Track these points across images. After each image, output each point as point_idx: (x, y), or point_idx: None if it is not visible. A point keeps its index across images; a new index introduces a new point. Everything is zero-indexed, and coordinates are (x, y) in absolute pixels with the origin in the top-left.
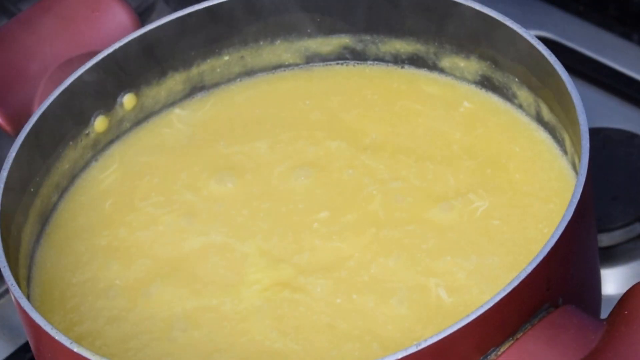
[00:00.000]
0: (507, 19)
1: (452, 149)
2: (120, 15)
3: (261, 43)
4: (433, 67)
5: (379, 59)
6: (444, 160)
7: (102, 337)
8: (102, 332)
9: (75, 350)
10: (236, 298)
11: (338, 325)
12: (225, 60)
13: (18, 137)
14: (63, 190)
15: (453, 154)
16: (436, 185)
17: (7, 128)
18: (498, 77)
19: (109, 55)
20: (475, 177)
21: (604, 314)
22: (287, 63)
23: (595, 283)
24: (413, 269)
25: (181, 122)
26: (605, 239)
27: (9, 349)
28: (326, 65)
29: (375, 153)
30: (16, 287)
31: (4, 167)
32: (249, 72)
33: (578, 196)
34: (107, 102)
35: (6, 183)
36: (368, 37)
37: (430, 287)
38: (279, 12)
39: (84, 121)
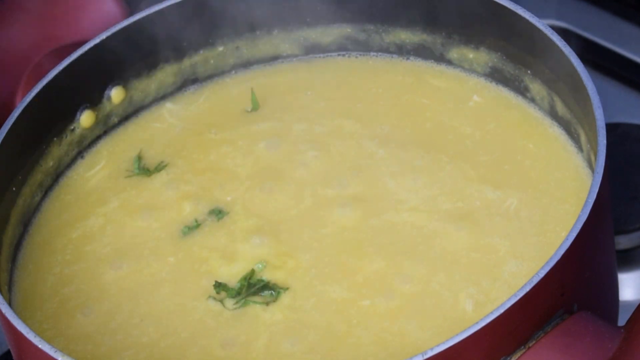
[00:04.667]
0: (519, 7)
1: (465, 144)
2: (108, 4)
3: (257, 33)
4: (440, 58)
5: (383, 49)
6: (458, 155)
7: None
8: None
9: (60, 359)
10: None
11: (347, 333)
12: (220, 51)
13: None
14: (47, 189)
15: (467, 148)
16: (458, 179)
17: None
18: (509, 69)
19: (95, 45)
20: (497, 173)
21: (621, 321)
22: (285, 54)
23: (612, 288)
24: (433, 272)
25: (173, 117)
26: (623, 242)
27: None
28: (326, 56)
29: (384, 143)
30: None
31: None
32: (245, 64)
33: (594, 196)
34: (93, 95)
35: None
36: (371, 27)
37: (458, 297)
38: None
39: (69, 116)
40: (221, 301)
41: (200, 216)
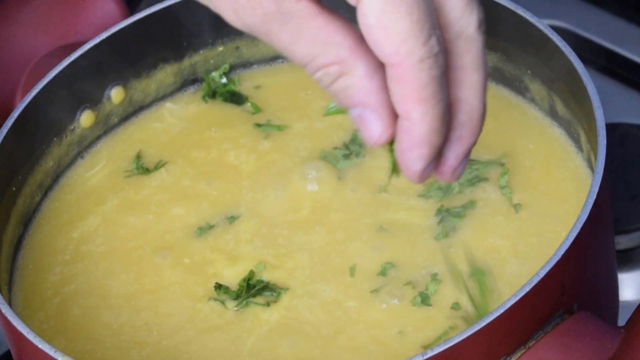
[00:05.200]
0: (518, 7)
1: None
2: (108, 4)
3: None
4: None
5: None
6: None
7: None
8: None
9: (60, 359)
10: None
11: (346, 333)
12: (219, 51)
13: None
14: (47, 189)
15: None
16: (464, 175)
17: None
18: (509, 69)
19: (95, 46)
20: (498, 173)
21: (621, 321)
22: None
23: (612, 288)
24: (432, 271)
25: (173, 117)
26: (623, 241)
27: None
28: None
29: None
30: None
31: None
32: (245, 64)
33: (594, 196)
34: (93, 95)
35: None
36: None
37: (459, 298)
38: None
39: (69, 116)
40: (222, 302)
41: (200, 215)
